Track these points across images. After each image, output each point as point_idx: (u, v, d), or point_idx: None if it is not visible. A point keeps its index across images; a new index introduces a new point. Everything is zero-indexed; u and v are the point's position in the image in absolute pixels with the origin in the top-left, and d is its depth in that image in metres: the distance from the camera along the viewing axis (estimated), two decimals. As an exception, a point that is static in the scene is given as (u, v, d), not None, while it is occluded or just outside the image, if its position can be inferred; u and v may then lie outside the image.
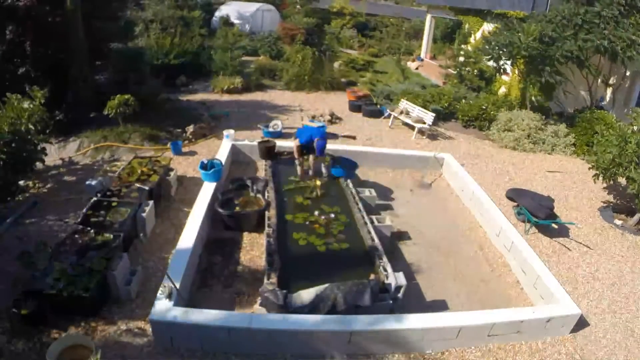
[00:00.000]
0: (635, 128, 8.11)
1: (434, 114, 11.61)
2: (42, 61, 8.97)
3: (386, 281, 5.16)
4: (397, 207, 7.92)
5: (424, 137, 11.49)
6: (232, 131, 9.39)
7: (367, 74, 18.98)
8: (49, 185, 7.32)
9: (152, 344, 4.49)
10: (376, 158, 9.41)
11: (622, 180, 8.39)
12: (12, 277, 5.12)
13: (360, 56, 21.67)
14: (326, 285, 4.87)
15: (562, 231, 7.62)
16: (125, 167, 7.26)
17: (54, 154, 8.48)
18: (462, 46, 17.52)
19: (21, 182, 7.11)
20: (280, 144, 8.97)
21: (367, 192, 7.51)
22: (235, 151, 8.89)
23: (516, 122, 12.02)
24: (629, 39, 10.38)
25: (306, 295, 4.83)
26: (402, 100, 12.78)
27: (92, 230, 5.48)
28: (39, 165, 7.31)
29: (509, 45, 11.25)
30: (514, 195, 7.87)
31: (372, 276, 5.25)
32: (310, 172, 7.80)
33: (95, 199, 6.22)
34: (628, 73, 12.42)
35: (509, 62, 12.07)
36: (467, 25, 18.01)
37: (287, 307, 4.71)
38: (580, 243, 7.36)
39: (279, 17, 26.06)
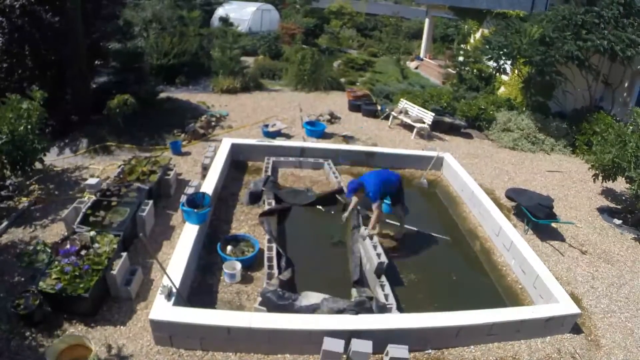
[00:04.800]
0: (632, 128, 8.14)
1: (433, 114, 11.61)
2: (41, 61, 8.96)
3: (386, 301, 5.15)
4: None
5: (424, 137, 11.49)
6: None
7: (367, 73, 19.00)
8: (50, 185, 7.31)
9: (152, 343, 4.49)
10: (375, 158, 9.40)
11: (622, 180, 8.40)
12: (12, 277, 5.12)
13: (359, 56, 21.69)
14: (328, 296, 4.91)
15: (562, 231, 7.63)
16: (125, 167, 7.26)
17: (53, 154, 8.47)
18: (462, 46, 17.54)
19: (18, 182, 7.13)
20: (281, 143, 8.97)
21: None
22: (234, 151, 8.87)
23: (515, 122, 12.05)
24: (629, 39, 10.39)
25: (312, 297, 4.86)
26: (401, 99, 12.79)
27: (91, 230, 5.47)
28: (38, 165, 7.32)
29: (509, 46, 11.26)
30: (514, 194, 7.88)
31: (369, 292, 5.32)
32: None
33: (94, 198, 6.21)
34: (628, 73, 12.43)
35: (508, 62, 12.08)
36: (466, 26, 18.04)
37: (292, 306, 4.72)
38: (580, 243, 7.37)
39: (278, 17, 26.07)
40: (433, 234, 7.14)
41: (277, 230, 6.47)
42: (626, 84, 12.76)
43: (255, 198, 7.29)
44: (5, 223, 6.08)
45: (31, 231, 6.06)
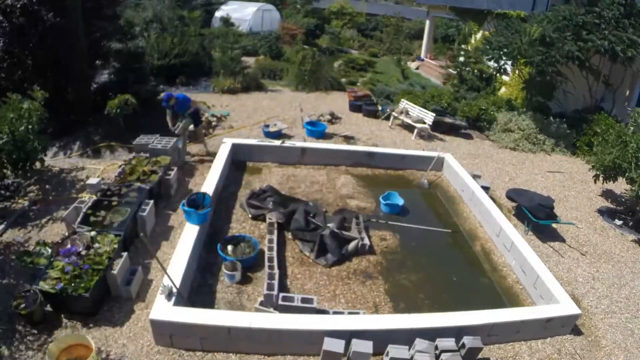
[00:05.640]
0: (633, 129, 8.13)
1: (434, 114, 11.61)
2: (42, 61, 8.96)
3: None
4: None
5: (424, 138, 11.49)
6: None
7: (367, 73, 19.00)
8: (48, 186, 7.32)
9: (152, 343, 4.49)
10: (376, 158, 9.40)
11: (622, 181, 8.39)
12: (12, 277, 5.12)
13: (360, 56, 21.69)
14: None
15: (562, 231, 7.62)
16: (126, 167, 7.26)
17: (54, 154, 8.48)
18: (463, 46, 17.55)
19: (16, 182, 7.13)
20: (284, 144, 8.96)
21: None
22: (235, 150, 8.87)
23: (516, 123, 12.04)
24: (629, 40, 10.38)
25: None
26: (402, 100, 12.78)
27: (92, 230, 5.47)
28: (37, 165, 7.32)
29: (510, 46, 11.25)
30: (514, 195, 7.88)
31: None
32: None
33: (95, 198, 6.22)
34: (629, 73, 12.43)
35: (509, 63, 12.08)
36: (467, 27, 18.05)
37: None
38: (580, 244, 7.36)
39: (279, 17, 26.09)
40: (432, 228, 7.16)
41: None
42: (627, 85, 12.75)
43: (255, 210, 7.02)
44: (5, 223, 6.08)
45: (31, 231, 6.06)
